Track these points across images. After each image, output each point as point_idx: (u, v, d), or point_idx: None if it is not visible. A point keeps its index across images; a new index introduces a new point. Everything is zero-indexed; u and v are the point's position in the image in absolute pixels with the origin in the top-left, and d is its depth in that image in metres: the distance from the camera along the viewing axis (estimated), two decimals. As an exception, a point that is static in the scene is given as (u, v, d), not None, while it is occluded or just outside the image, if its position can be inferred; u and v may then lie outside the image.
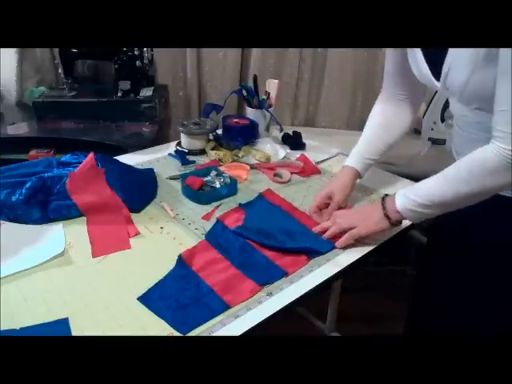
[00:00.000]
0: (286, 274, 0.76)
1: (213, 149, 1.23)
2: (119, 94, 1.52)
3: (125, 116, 1.51)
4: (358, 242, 0.84)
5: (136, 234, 0.86)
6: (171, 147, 1.28)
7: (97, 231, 0.86)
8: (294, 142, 1.31)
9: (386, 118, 0.97)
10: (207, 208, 0.96)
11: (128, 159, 1.15)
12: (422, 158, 1.52)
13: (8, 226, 0.87)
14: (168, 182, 1.08)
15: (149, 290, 0.72)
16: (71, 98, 1.52)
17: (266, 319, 0.67)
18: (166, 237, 0.86)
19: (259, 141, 1.34)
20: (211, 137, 1.28)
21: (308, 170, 1.16)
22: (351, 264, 0.81)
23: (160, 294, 0.71)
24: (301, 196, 1.03)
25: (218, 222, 0.90)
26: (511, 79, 0.63)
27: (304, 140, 1.33)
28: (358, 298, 1.76)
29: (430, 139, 1.63)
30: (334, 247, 0.84)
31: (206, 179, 1.03)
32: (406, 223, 0.86)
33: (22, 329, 0.63)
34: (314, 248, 0.82)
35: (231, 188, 1.03)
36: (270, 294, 0.72)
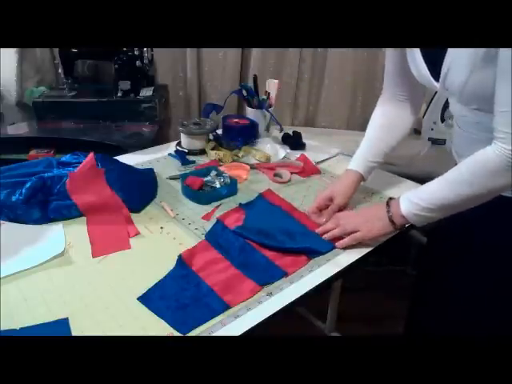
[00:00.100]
0: (285, 274, 0.76)
1: (213, 149, 1.23)
2: (119, 94, 1.52)
3: (125, 116, 1.51)
4: (358, 242, 0.84)
5: (136, 234, 0.86)
6: (171, 147, 1.28)
7: (97, 231, 0.86)
8: (293, 142, 1.31)
9: (387, 120, 0.97)
10: (207, 208, 0.96)
11: (128, 159, 1.15)
12: (422, 158, 1.53)
13: (8, 226, 0.87)
14: (168, 182, 1.08)
15: (149, 290, 0.72)
16: (71, 97, 1.52)
17: (266, 319, 0.67)
18: (166, 237, 0.86)
19: (259, 141, 1.34)
20: (211, 137, 1.28)
21: (308, 170, 1.16)
22: (351, 264, 0.81)
23: (160, 294, 0.71)
24: (301, 196, 1.03)
25: (218, 222, 0.90)
26: (511, 80, 0.63)
27: (304, 140, 1.33)
28: (357, 298, 1.76)
29: (430, 139, 1.63)
30: (334, 247, 0.84)
31: (205, 179, 1.03)
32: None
33: (21, 329, 0.63)
34: (314, 248, 0.82)
35: (231, 188, 1.02)
36: (270, 294, 0.72)
